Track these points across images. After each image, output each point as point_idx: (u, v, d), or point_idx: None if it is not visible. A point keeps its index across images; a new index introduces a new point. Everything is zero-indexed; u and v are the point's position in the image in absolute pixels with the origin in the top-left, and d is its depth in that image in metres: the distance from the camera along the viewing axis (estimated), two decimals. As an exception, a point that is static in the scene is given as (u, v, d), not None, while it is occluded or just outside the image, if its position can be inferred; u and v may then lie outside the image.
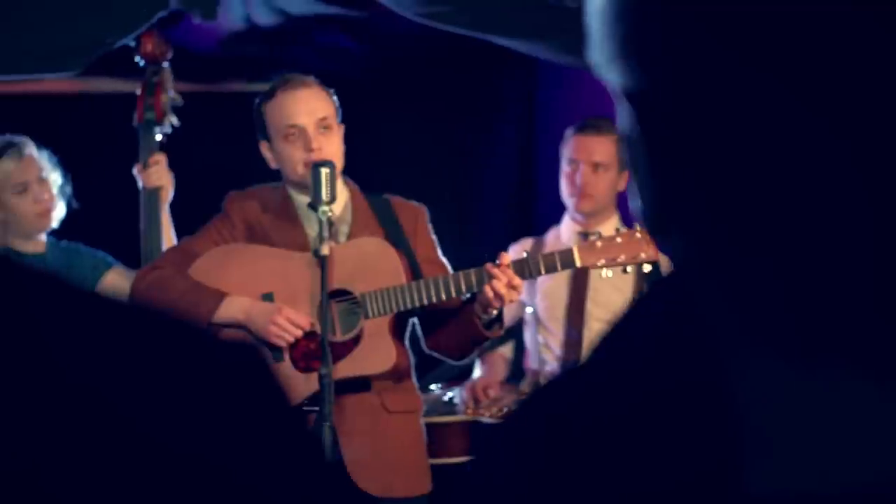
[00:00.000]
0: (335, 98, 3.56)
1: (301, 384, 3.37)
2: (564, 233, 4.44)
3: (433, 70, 5.40)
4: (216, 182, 3.68)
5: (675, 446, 0.87)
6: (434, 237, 3.60)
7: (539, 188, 5.48)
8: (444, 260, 3.58)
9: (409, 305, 3.38)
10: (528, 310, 4.45)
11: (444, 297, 3.37)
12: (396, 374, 3.47)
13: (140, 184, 4.21)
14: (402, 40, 4.92)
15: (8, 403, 0.82)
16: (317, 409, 3.27)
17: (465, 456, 4.23)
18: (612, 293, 4.25)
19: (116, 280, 4.12)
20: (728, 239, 0.85)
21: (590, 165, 4.34)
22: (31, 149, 4.11)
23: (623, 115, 0.89)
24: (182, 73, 4.50)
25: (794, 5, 0.80)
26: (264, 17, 4.46)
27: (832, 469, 0.82)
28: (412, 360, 3.56)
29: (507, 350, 4.62)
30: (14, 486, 0.80)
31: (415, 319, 3.56)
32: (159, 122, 4.30)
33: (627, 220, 4.30)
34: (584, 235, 4.22)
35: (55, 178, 4.14)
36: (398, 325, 3.49)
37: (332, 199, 3.35)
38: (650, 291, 1.00)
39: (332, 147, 3.47)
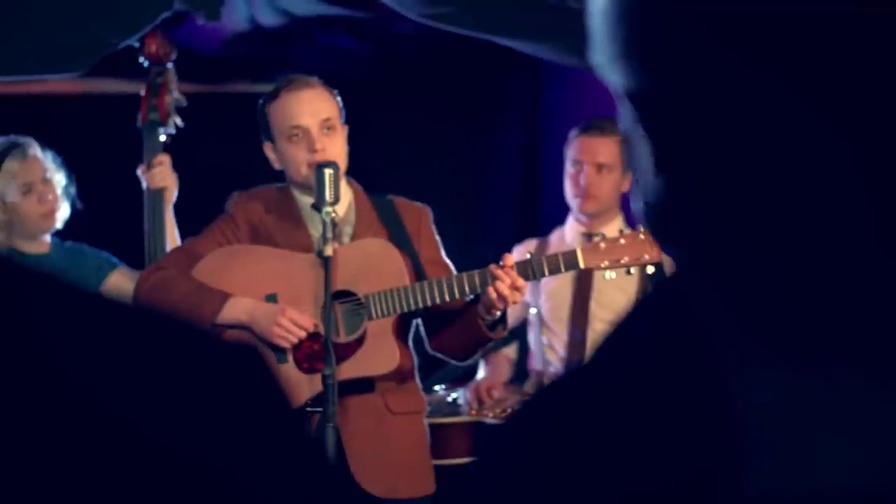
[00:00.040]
0: (339, 99, 3.56)
1: (305, 385, 3.37)
2: (568, 234, 4.44)
3: (438, 71, 5.40)
4: (220, 183, 3.68)
5: (677, 447, 0.87)
6: (438, 238, 3.60)
7: (544, 189, 5.48)
8: (448, 261, 3.57)
9: (412, 307, 3.38)
10: (532, 311, 4.45)
11: (447, 298, 3.37)
12: (400, 376, 3.46)
13: (144, 184, 4.21)
14: (406, 41, 4.92)
15: (10, 405, 0.82)
16: (320, 410, 3.27)
17: (468, 457, 4.23)
18: (615, 294, 4.24)
19: (120, 281, 4.12)
20: (729, 239, 0.85)
21: (594, 166, 4.34)
22: (36, 149, 4.11)
23: (625, 115, 0.89)
24: (186, 73, 4.50)
25: (794, 5, 0.80)
26: (268, 18, 4.46)
27: (832, 469, 0.82)
28: (416, 361, 3.56)
29: (511, 351, 4.62)
30: (17, 487, 0.80)
31: (418, 320, 3.56)
32: (163, 123, 4.31)
33: (631, 221, 4.29)
34: (589, 236, 4.22)
35: (59, 178, 4.14)
36: (402, 326, 3.49)
37: (336, 200, 3.35)
38: (653, 292, 1.00)
39: (336, 148, 3.47)
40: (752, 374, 0.84)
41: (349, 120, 3.56)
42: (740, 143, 0.82)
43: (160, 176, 4.19)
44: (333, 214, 3.35)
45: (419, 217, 3.59)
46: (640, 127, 0.87)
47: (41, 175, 4.09)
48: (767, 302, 0.83)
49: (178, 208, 4.21)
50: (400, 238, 3.52)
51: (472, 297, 3.42)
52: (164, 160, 4.23)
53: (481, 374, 4.55)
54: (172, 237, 4.15)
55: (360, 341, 3.41)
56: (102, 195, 4.28)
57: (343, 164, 3.47)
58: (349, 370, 3.37)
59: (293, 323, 3.38)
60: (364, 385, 3.42)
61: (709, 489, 0.86)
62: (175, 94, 4.35)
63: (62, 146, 4.20)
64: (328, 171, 3.34)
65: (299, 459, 0.91)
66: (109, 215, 4.36)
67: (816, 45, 0.79)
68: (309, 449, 1.00)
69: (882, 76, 0.78)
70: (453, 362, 3.68)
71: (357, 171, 3.60)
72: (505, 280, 3.29)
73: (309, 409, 3.34)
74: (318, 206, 3.35)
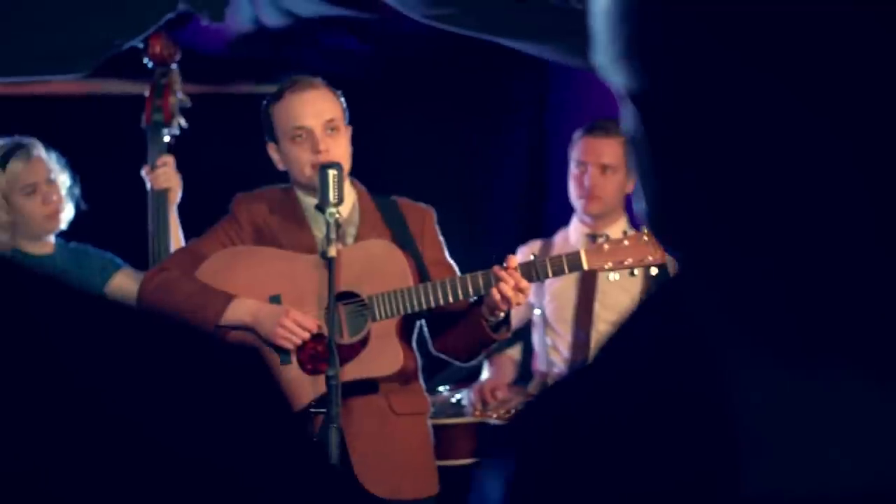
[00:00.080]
0: (342, 100, 3.56)
1: (308, 386, 3.37)
2: (573, 235, 4.44)
3: (443, 71, 5.39)
4: (224, 184, 3.68)
5: (679, 447, 0.87)
6: (442, 239, 3.60)
7: (548, 190, 5.48)
8: (452, 262, 3.57)
9: (416, 308, 3.38)
10: (537, 312, 4.45)
11: (451, 300, 3.37)
12: (404, 377, 3.46)
13: (148, 185, 4.21)
14: (411, 42, 4.92)
15: (14, 405, 0.82)
16: (324, 411, 3.27)
17: (472, 458, 4.23)
18: (620, 295, 4.24)
19: (125, 282, 4.12)
20: (729, 240, 0.84)
21: (598, 167, 4.33)
22: (40, 150, 4.11)
23: (627, 116, 0.89)
24: (190, 74, 4.50)
25: (794, 5, 0.80)
26: (272, 19, 4.46)
27: (831, 470, 0.82)
28: (419, 362, 3.55)
29: (515, 352, 4.61)
30: (21, 487, 0.80)
31: (422, 321, 3.55)
32: (167, 124, 4.31)
33: (635, 223, 4.29)
34: (593, 237, 4.22)
35: (64, 179, 4.14)
36: (405, 328, 3.49)
37: (340, 201, 3.35)
38: (655, 293, 1.00)
39: (340, 149, 3.47)
40: (751, 375, 0.84)
41: (353, 121, 3.56)
42: (740, 143, 0.82)
43: (164, 177, 4.19)
44: (337, 215, 3.35)
45: (423, 218, 3.59)
46: (642, 127, 0.87)
47: (45, 176, 4.09)
48: (767, 302, 0.83)
49: (182, 209, 4.21)
50: (404, 239, 3.51)
51: (475, 298, 3.41)
52: (168, 161, 4.23)
53: (485, 375, 4.55)
54: (176, 238, 4.15)
55: (363, 342, 3.41)
56: (106, 196, 4.28)
57: (347, 164, 3.47)
58: (353, 371, 3.37)
59: (297, 324, 3.38)
60: (368, 386, 3.42)
61: (710, 489, 0.85)
62: (179, 95, 4.36)
63: (66, 147, 4.21)
64: (332, 172, 3.34)
65: (301, 461, 0.91)
66: (113, 216, 4.36)
67: (816, 45, 0.79)
68: (311, 450, 1.00)
69: (882, 76, 0.78)
70: (457, 363, 3.68)
71: (361, 171, 3.60)
72: (508, 281, 3.29)
73: (312, 410, 3.34)
74: (321, 207, 3.35)
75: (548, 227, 4.76)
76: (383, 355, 3.40)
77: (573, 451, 0.90)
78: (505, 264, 3.33)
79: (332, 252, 3.32)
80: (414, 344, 3.54)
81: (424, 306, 3.38)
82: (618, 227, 4.25)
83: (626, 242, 3.42)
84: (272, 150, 3.55)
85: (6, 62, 4.23)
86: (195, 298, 3.40)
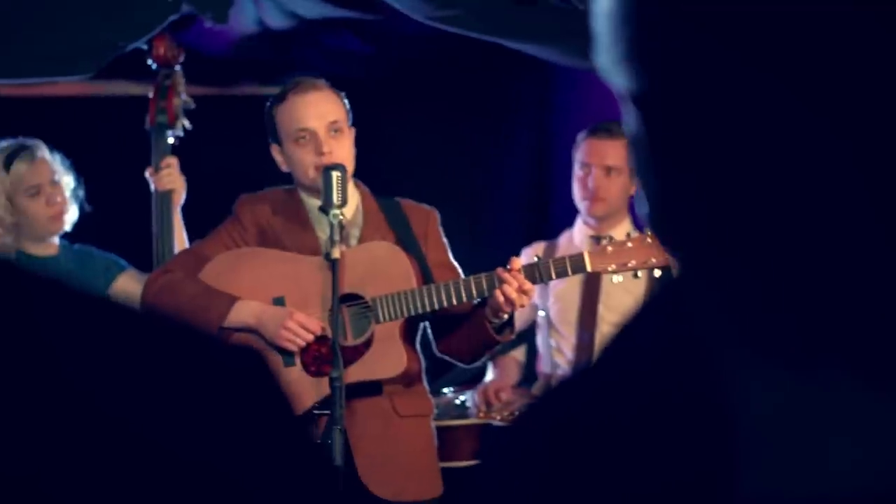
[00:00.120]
0: (346, 101, 3.55)
1: (312, 388, 3.37)
2: (577, 236, 4.44)
3: (446, 73, 5.39)
4: (228, 185, 3.68)
5: (681, 449, 0.86)
6: (445, 240, 3.60)
7: (552, 191, 5.48)
8: (456, 263, 3.57)
9: (419, 310, 3.38)
10: (541, 313, 4.45)
11: (454, 301, 3.37)
12: (407, 378, 3.46)
13: (152, 187, 4.22)
14: (414, 43, 4.92)
15: (15, 408, 0.82)
16: (328, 412, 3.27)
17: (476, 459, 4.23)
18: (624, 297, 4.24)
19: (128, 283, 4.12)
20: (729, 240, 0.84)
21: (602, 169, 4.33)
22: (44, 151, 4.12)
23: (629, 118, 0.89)
24: (194, 76, 4.50)
25: (795, 5, 0.79)
26: (276, 21, 4.46)
27: (831, 471, 0.82)
28: (423, 363, 3.55)
29: (519, 353, 4.62)
30: (24, 492, 0.80)
31: (426, 323, 3.55)
32: (171, 126, 4.31)
33: (640, 224, 4.29)
34: (597, 239, 4.21)
35: (68, 180, 4.14)
36: (409, 329, 3.49)
37: (344, 203, 3.35)
38: (657, 295, 1.00)
39: (343, 150, 3.46)
40: (751, 375, 0.84)
41: (357, 122, 3.56)
42: (740, 144, 0.82)
43: (168, 178, 4.19)
44: (341, 217, 3.35)
45: (427, 219, 3.58)
46: (643, 129, 0.87)
47: (49, 177, 4.09)
48: (767, 303, 0.83)
49: (186, 210, 4.21)
50: (407, 241, 3.51)
51: (479, 300, 3.41)
52: (172, 162, 4.23)
53: (489, 376, 4.55)
54: (180, 239, 4.16)
55: (367, 344, 3.41)
56: (110, 197, 4.29)
57: (350, 166, 3.47)
58: (357, 373, 3.37)
59: (300, 326, 3.38)
60: (371, 388, 3.42)
61: (712, 491, 0.85)
62: (183, 97, 4.36)
63: (70, 148, 4.21)
64: (335, 174, 3.34)
65: (303, 464, 0.90)
66: (117, 218, 4.37)
67: (816, 45, 0.79)
68: (313, 453, 1.00)
69: (882, 76, 0.78)
70: (461, 365, 3.68)
71: (365, 173, 3.60)
72: (512, 283, 3.29)
73: (316, 411, 3.34)
74: (325, 209, 3.35)
75: (551, 228, 4.76)
76: (387, 357, 3.40)
77: (575, 453, 0.90)
78: (508, 266, 3.33)
79: (336, 254, 3.32)
80: (418, 346, 3.54)
81: (428, 308, 3.38)
82: (622, 229, 4.25)
83: (629, 244, 3.41)
84: (276, 152, 3.55)
85: (10, 64, 4.24)
86: (199, 300, 3.41)
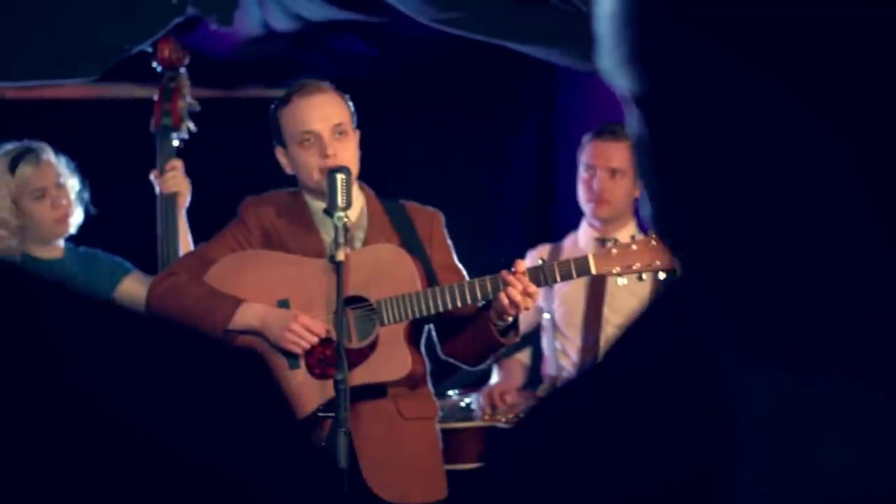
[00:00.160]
0: (351, 104, 3.56)
1: (317, 391, 3.37)
2: (582, 239, 4.44)
3: (451, 75, 5.39)
4: (232, 188, 3.69)
5: (684, 450, 0.86)
6: (450, 243, 3.60)
7: (557, 194, 5.48)
8: (460, 266, 3.57)
9: (424, 312, 3.38)
10: (546, 316, 4.45)
11: (459, 304, 3.37)
12: (412, 381, 3.46)
13: (157, 189, 4.22)
14: (419, 45, 4.92)
15: (20, 410, 0.82)
16: (332, 415, 3.26)
17: (481, 462, 4.22)
18: (629, 299, 4.24)
19: (134, 286, 4.13)
20: (729, 241, 0.84)
21: (607, 171, 4.33)
22: (49, 154, 4.12)
23: (632, 120, 0.89)
24: (199, 78, 4.51)
25: (795, 5, 0.79)
26: (281, 23, 4.47)
27: (830, 472, 0.82)
28: (428, 366, 3.55)
29: (524, 356, 4.61)
30: (28, 494, 0.80)
31: (431, 325, 3.55)
32: (176, 128, 4.31)
33: (644, 227, 4.29)
34: (602, 241, 4.21)
35: (73, 183, 4.15)
36: (414, 332, 3.49)
37: (348, 205, 3.35)
38: (659, 297, 1.00)
39: (348, 153, 3.47)
40: (751, 376, 0.84)
41: (361, 124, 3.56)
42: (740, 144, 0.82)
43: (173, 181, 4.20)
44: (345, 219, 3.35)
45: (431, 222, 3.58)
46: (646, 131, 0.87)
47: (55, 180, 4.10)
48: (767, 304, 0.83)
49: (191, 213, 4.22)
50: (412, 243, 3.51)
51: (484, 302, 3.41)
52: (177, 165, 4.24)
53: (495, 379, 4.55)
54: (185, 242, 4.16)
55: (372, 347, 3.41)
56: (116, 200, 4.29)
57: (355, 169, 3.47)
58: (361, 376, 3.37)
59: (305, 329, 3.38)
60: (376, 391, 3.42)
61: (712, 491, 0.85)
62: (188, 99, 4.36)
63: (75, 151, 4.21)
64: (340, 177, 3.34)
65: (308, 466, 0.91)
66: (122, 220, 4.37)
67: (816, 45, 0.79)
68: (318, 455, 1.00)
69: (882, 76, 0.78)
70: (465, 367, 3.68)
71: (369, 175, 3.60)
72: (517, 286, 3.29)
73: (321, 414, 3.34)
74: (329, 211, 3.35)
75: (556, 230, 4.76)
76: (392, 359, 3.40)
77: (577, 454, 0.90)
78: (513, 269, 3.33)
79: (341, 256, 3.32)
80: (422, 348, 3.54)
81: (433, 311, 3.38)
82: (627, 231, 4.25)
83: (634, 247, 3.41)
84: (280, 154, 3.55)
85: (16, 66, 4.25)
86: (203, 303, 3.41)
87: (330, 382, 3.30)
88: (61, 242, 4.16)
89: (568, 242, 4.48)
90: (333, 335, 3.35)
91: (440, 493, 3.51)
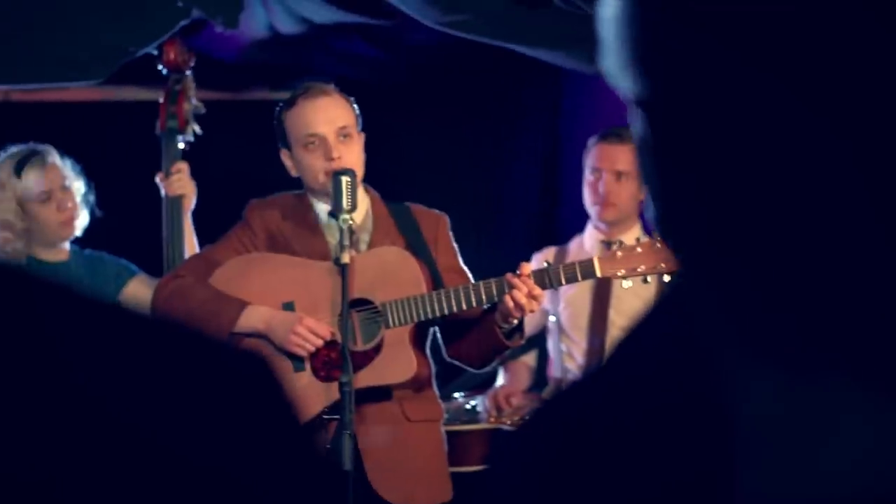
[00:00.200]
0: (356, 106, 3.56)
1: (322, 393, 3.37)
2: (587, 241, 4.43)
3: (456, 78, 5.39)
4: (238, 190, 3.69)
5: (687, 452, 0.86)
6: (455, 245, 3.60)
7: (563, 197, 5.47)
8: (465, 268, 3.57)
9: (429, 315, 3.38)
10: (552, 318, 4.44)
11: (464, 307, 3.37)
12: (417, 383, 3.46)
13: (162, 192, 4.22)
14: (424, 48, 4.92)
15: (26, 415, 0.82)
16: (338, 417, 3.27)
17: (486, 464, 4.22)
18: (634, 301, 4.24)
19: (139, 288, 4.13)
20: (730, 242, 0.84)
21: (613, 174, 4.33)
22: (55, 157, 4.12)
23: (635, 122, 0.89)
24: (204, 81, 4.51)
25: (795, 5, 0.79)
26: (286, 26, 4.47)
27: (830, 472, 0.82)
28: (433, 368, 3.55)
29: (530, 358, 4.61)
30: (31, 495, 0.80)
31: (436, 328, 3.55)
32: (182, 131, 4.32)
33: (650, 229, 4.29)
34: (608, 244, 4.21)
35: (79, 186, 4.15)
36: (419, 334, 3.49)
37: (353, 208, 3.35)
38: (664, 299, 1.01)
39: (353, 155, 3.47)
40: (751, 377, 0.84)
41: (366, 127, 3.56)
42: (741, 145, 0.82)
43: (178, 183, 4.20)
44: (350, 222, 3.35)
45: (437, 224, 3.58)
46: (649, 132, 0.87)
47: (60, 183, 4.10)
48: (767, 305, 0.83)
49: (197, 216, 4.22)
50: (417, 246, 3.51)
51: (489, 305, 3.41)
52: (183, 168, 4.24)
53: (500, 381, 4.55)
54: (191, 244, 4.16)
55: (377, 349, 3.41)
56: (121, 203, 4.30)
57: (360, 171, 3.47)
58: (366, 378, 3.37)
59: (310, 331, 3.38)
60: (381, 393, 3.42)
61: (712, 491, 0.85)
62: (193, 102, 4.37)
63: (81, 154, 4.22)
64: (345, 179, 3.34)
65: (313, 469, 0.91)
66: (128, 223, 4.38)
67: (816, 45, 0.79)
68: (321, 459, 1.00)
69: (882, 76, 0.78)
70: (471, 370, 3.68)
71: (374, 178, 3.60)
72: (522, 289, 3.29)
73: (326, 416, 3.34)
74: (335, 214, 3.35)
75: (561, 233, 4.76)
76: (397, 362, 3.40)
77: (580, 456, 0.90)
78: (518, 271, 3.32)
79: (346, 259, 3.32)
80: (427, 350, 3.54)
81: (438, 313, 3.38)
82: (632, 234, 4.24)
83: (638, 250, 3.41)
84: (285, 157, 3.55)
85: (21, 69, 4.25)
86: (209, 305, 3.41)
87: (335, 385, 3.31)
88: (67, 245, 4.16)
89: (573, 245, 4.47)
90: (338, 338, 3.35)
91: (445, 495, 3.50)
